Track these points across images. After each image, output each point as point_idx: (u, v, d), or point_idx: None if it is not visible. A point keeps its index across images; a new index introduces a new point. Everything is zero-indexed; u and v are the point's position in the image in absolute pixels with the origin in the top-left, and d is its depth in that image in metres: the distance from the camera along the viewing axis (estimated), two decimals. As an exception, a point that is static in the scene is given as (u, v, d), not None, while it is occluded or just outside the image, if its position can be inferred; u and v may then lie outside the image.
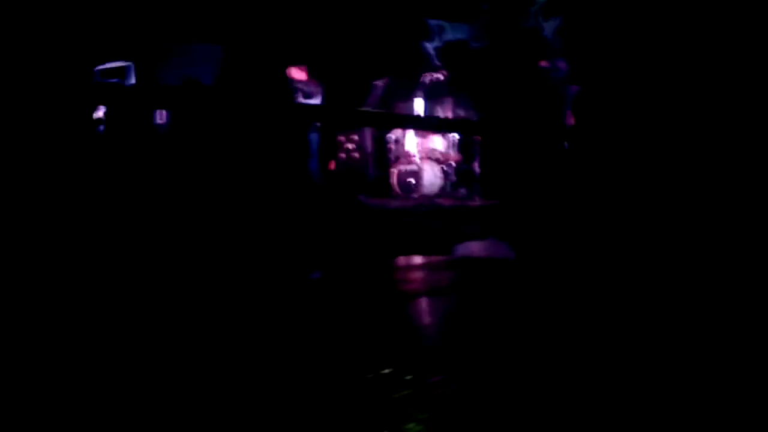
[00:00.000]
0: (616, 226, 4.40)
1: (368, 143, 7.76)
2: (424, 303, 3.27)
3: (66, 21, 7.40)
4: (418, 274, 4.28)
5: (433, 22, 8.21)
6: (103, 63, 7.98)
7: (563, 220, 4.92)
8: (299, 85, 6.93)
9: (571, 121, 6.43)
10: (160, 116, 6.92)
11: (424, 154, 7.42)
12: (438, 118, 7.32)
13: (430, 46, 8.19)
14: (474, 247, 5.05)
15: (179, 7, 8.34)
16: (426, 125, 6.29)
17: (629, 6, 5.21)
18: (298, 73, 6.98)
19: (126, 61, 8.05)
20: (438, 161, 7.44)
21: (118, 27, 7.98)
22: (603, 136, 5.12)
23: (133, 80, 8.01)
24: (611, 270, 3.65)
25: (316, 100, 6.89)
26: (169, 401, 1.72)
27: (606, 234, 4.38)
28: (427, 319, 2.98)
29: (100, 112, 6.39)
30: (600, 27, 5.96)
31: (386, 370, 1.98)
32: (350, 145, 7.29)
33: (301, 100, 6.83)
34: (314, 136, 7.03)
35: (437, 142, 7.48)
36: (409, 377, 1.92)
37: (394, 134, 7.60)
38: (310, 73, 7.06)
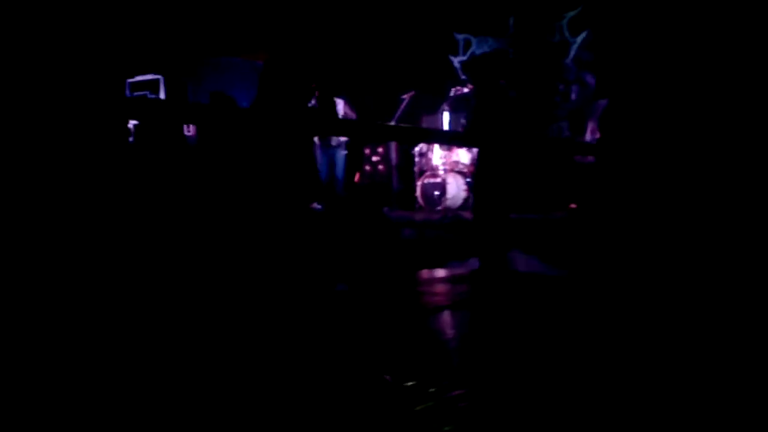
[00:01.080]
0: (649, 238, 4.33)
1: (393, 156, 7.78)
2: (448, 316, 3.26)
3: (99, 34, 7.56)
4: (442, 287, 4.26)
5: (460, 36, 8.24)
6: (135, 76, 8.14)
7: (596, 233, 4.87)
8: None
9: (596, 134, 6.37)
10: (188, 128, 7.03)
11: (449, 167, 7.41)
12: (459, 132, 7.32)
13: (456, 60, 8.22)
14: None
15: (210, 22, 8.49)
16: (449, 139, 6.27)
17: (658, 19, 5.17)
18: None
19: (157, 74, 8.20)
20: (463, 174, 7.42)
21: (150, 41, 8.14)
22: (633, 149, 5.07)
23: (163, 93, 8.15)
24: (649, 282, 3.60)
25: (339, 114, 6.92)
26: (206, 403, 1.74)
27: (641, 246, 4.32)
28: (451, 332, 2.96)
29: (130, 124, 6.50)
30: (628, 40, 5.92)
31: (410, 383, 1.97)
32: (375, 158, 7.31)
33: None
34: (342, 152, 7.06)
35: (462, 155, 7.47)
36: (432, 389, 1.91)
37: (420, 147, 7.61)
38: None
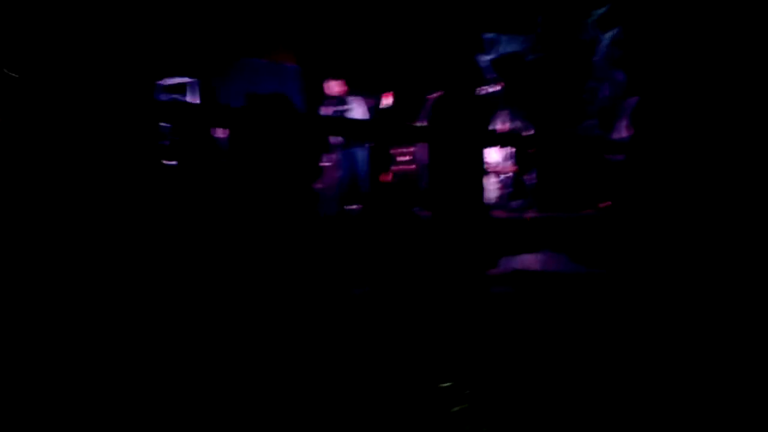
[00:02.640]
0: (684, 236, 4.28)
1: (423, 155, 7.78)
2: (483, 317, 3.26)
3: (130, 37, 7.71)
4: (475, 288, 4.25)
5: (488, 35, 8.21)
6: (165, 78, 8.26)
7: (627, 231, 4.83)
8: (337, 99, 7.00)
9: (627, 132, 6.31)
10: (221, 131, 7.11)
11: (479, 166, 7.40)
12: (493, 131, 7.30)
13: (484, 59, 8.19)
14: (529, 260, 5.00)
15: (237, 25, 8.58)
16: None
17: (689, 15, 5.10)
18: (337, 87, 7.06)
19: (188, 76, 8.31)
20: (494, 173, 7.41)
21: (181, 43, 8.27)
22: (665, 147, 5.02)
23: (194, 95, 8.26)
24: (681, 282, 3.56)
25: (356, 114, 6.93)
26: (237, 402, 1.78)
27: (677, 246, 4.27)
28: (487, 333, 2.97)
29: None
30: (658, 37, 5.84)
31: (445, 384, 1.99)
32: (406, 158, 7.32)
33: (340, 112, 6.91)
34: (362, 151, 7.08)
35: (493, 154, 7.45)
36: (467, 391, 1.93)
37: (449, 147, 7.59)
38: (350, 87, 7.15)
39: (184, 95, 8.30)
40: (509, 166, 7.45)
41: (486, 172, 7.38)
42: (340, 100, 7.03)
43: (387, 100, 7.18)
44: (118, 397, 1.84)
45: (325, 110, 7.05)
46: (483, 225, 4.28)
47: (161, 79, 8.24)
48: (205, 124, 6.07)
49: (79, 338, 2.32)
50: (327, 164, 7.51)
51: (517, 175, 7.41)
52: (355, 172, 7.07)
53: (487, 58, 8.20)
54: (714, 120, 4.60)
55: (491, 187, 7.32)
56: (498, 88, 7.69)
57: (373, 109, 7.15)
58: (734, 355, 2.27)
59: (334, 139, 7.20)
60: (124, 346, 2.31)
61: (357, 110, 6.94)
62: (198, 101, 8.00)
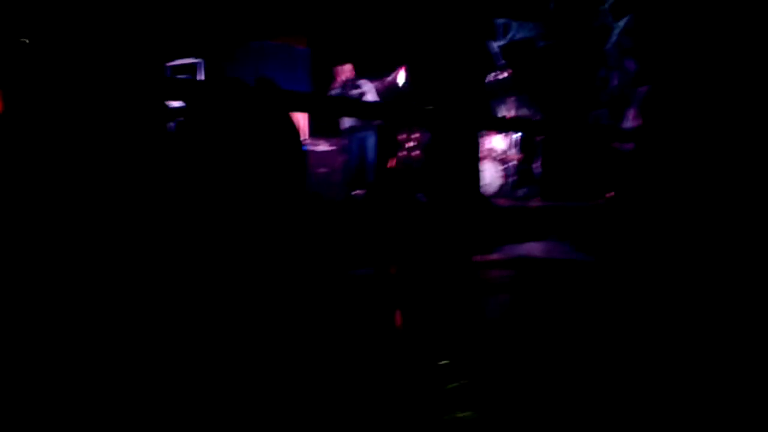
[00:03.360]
0: (692, 227, 4.25)
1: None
2: (481, 300, 3.26)
3: (139, 17, 7.72)
4: (477, 272, 4.25)
5: (499, 20, 8.15)
6: (174, 60, 8.26)
7: (636, 221, 4.80)
8: (348, 83, 6.97)
9: (636, 122, 6.26)
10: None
11: (485, 152, 7.37)
12: (500, 117, 7.26)
13: (495, 45, 8.14)
14: (534, 248, 4.98)
15: (248, 5, 8.55)
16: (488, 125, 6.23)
17: (700, 5, 5.05)
18: (346, 71, 7.02)
19: (196, 57, 8.30)
20: (498, 160, 7.38)
21: (190, 24, 8.25)
22: (675, 135, 4.97)
23: (202, 77, 8.26)
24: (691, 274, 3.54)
25: (367, 98, 6.90)
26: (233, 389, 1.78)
27: (683, 236, 4.24)
28: (485, 315, 2.97)
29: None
30: (671, 25, 5.79)
31: (443, 362, 1.99)
32: (411, 144, 7.30)
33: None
34: (371, 136, 7.05)
35: (497, 142, 7.42)
36: (464, 369, 1.93)
37: (456, 133, 7.58)
38: (357, 71, 7.12)
39: (193, 76, 8.31)
40: (514, 153, 7.41)
41: (491, 160, 7.36)
42: (353, 84, 7.00)
43: (399, 76, 7.12)
44: (120, 396, 1.85)
45: (337, 93, 7.03)
46: (478, 209, 4.27)
47: (171, 60, 8.26)
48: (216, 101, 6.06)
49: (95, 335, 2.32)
50: (331, 148, 7.50)
51: (522, 163, 7.38)
52: (363, 157, 7.05)
53: (498, 44, 8.15)
54: (724, 111, 4.56)
55: (496, 175, 7.30)
56: (507, 74, 7.64)
57: (384, 89, 7.11)
58: (738, 349, 2.25)
59: (342, 124, 7.19)
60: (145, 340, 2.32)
61: (368, 94, 6.91)
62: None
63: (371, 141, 7.06)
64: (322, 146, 7.45)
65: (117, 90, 2.71)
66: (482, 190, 7.18)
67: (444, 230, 3.97)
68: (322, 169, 7.37)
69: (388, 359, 2.06)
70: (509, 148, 7.44)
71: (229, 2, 8.46)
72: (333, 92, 7.04)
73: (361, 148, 7.10)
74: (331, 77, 7.29)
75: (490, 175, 7.30)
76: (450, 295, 3.19)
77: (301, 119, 7.37)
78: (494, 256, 4.56)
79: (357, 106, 4.57)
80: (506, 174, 7.38)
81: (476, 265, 4.36)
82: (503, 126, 6.36)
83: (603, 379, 1.89)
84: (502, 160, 7.39)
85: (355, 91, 6.93)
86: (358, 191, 7.05)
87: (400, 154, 7.84)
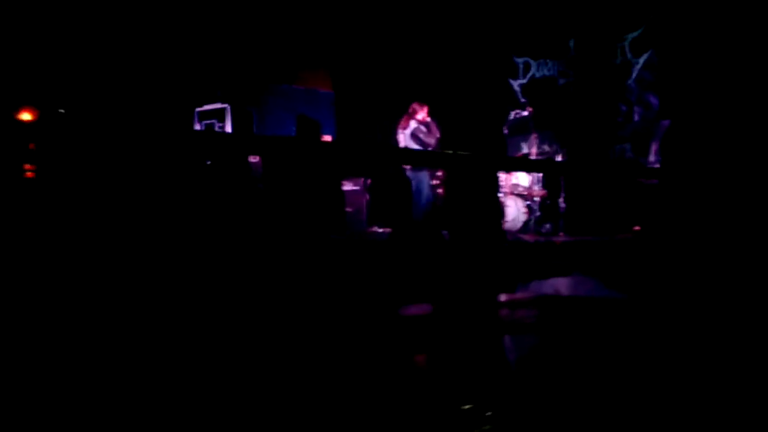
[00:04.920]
0: (719, 261, 4.21)
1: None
2: (506, 341, 3.26)
3: (168, 69, 8.02)
4: (504, 311, 4.25)
5: (519, 59, 8.26)
6: (203, 105, 8.50)
7: (659, 256, 4.77)
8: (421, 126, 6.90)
9: (658, 156, 6.26)
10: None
11: (508, 189, 7.41)
12: (523, 158, 7.29)
13: (516, 84, 8.24)
14: (560, 284, 4.96)
15: (273, 52, 8.81)
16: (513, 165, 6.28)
17: (721, 40, 5.08)
18: (422, 111, 6.90)
19: (223, 102, 8.53)
20: (522, 197, 7.40)
21: (216, 69, 8.52)
22: (696, 170, 4.96)
23: (229, 121, 8.46)
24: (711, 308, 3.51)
25: (432, 136, 6.81)
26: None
27: (703, 271, 4.21)
28: (513, 356, 2.97)
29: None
30: (691, 61, 5.82)
31: (466, 406, 2.01)
32: (435, 182, 7.36)
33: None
34: (425, 175, 6.94)
35: (522, 178, 7.46)
36: (489, 413, 1.94)
37: (479, 170, 7.60)
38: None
39: (221, 121, 8.52)
40: (538, 189, 7.44)
41: (515, 196, 7.37)
42: (425, 124, 6.91)
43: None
44: (123, 395, 1.91)
45: (409, 131, 6.89)
46: (498, 246, 4.26)
47: (200, 105, 8.50)
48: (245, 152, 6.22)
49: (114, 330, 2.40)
50: (356, 188, 7.61)
51: (546, 199, 7.39)
52: (419, 193, 6.93)
53: (519, 82, 8.25)
54: (746, 144, 4.55)
55: (520, 211, 7.31)
56: (528, 112, 7.72)
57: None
58: None
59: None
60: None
61: (432, 137, 6.82)
62: (230, 126, 8.18)
63: (427, 177, 6.92)
64: (348, 185, 7.57)
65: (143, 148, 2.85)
66: (507, 226, 7.19)
67: (465, 268, 4.00)
68: (348, 209, 7.49)
69: (412, 403, 2.09)
70: (533, 184, 7.47)
71: (254, 48, 8.71)
72: (405, 129, 6.92)
73: (418, 184, 6.96)
74: (355, 118, 7.35)
75: (515, 211, 7.31)
76: (473, 337, 3.20)
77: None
78: (519, 295, 4.56)
79: (381, 151, 4.67)
80: (530, 210, 7.39)
81: (501, 304, 4.36)
82: (522, 167, 6.40)
83: (636, 427, 1.89)
84: (527, 196, 7.42)
85: (423, 129, 6.84)
86: (379, 228, 7.05)
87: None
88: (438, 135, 6.66)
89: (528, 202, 7.38)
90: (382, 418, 1.93)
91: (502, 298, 4.57)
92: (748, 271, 3.99)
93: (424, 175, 6.79)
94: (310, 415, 1.93)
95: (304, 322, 3.19)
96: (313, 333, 3.02)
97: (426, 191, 6.80)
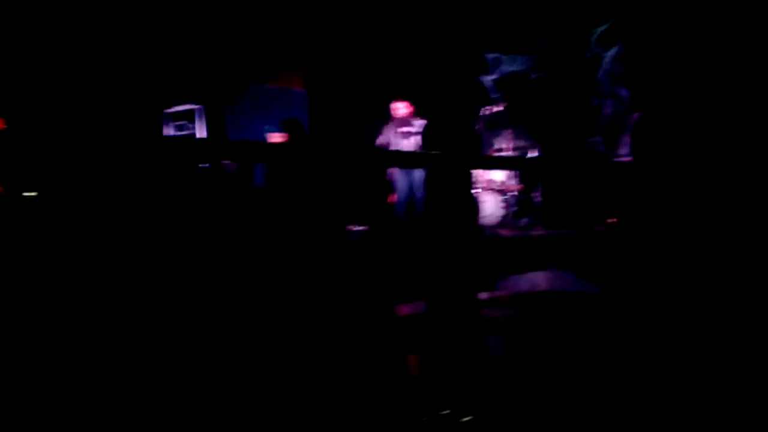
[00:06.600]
0: (692, 251, 4.26)
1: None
2: (488, 341, 3.26)
3: (138, 69, 7.89)
4: (484, 311, 4.24)
5: (490, 55, 8.27)
6: (172, 106, 8.39)
7: (637, 247, 4.81)
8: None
9: (628, 149, 6.32)
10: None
11: (484, 185, 7.42)
12: (497, 157, 7.30)
13: (488, 79, 8.25)
14: (538, 278, 4.98)
15: (246, 51, 8.72)
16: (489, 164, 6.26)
17: (688, 32, 5.14)
18: (404, 109, 6.85)
19: (195, 104, 8.42)
20: (499, 191, 7.42)
21: (187, 70, 8.41)
22: (668, 162, 5.02)
23: (200, 122, 8.36)
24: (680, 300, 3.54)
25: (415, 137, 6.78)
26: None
27: (672, 262, 4.25)
28: (490, 357, 2.97)
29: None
30: (660, 53, 5.88)
31: (444, 411, 2.00)
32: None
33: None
34: (419, 172, 6.87)
35: (498, 173, 7.47)
36: (466, 419, 1.94)
37: (454, 167, 7.59)
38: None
39: (192, 122, 8.41)
40: (514, 184, 7.46)
41: (491, 191, 7.39)
42: (407, 122, 6.87)
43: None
44: (123, 395, 1.87)
45: (392, 130, 6.86)
46: (475, 246, 4.25)
47: (169, 107, 8.39)
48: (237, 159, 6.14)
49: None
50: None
51: (523, 193, 7.42)
52: (412, 193, 6.88)
53: (491, 77, 8.27)
54: (715, 135, 4.61)
55: (497, 206, 7.33)
56: (502, 107, 7.73)
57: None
58: (749, 375, 2.26)
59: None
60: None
61: (415, 136, 6.79)
62: (204, 127, 8.09)
63: (420, 176, 6.86)
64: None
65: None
66: (484, 221, 7.20)
67: (442, 268, 3.99)
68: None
69: (390, 408, 2.07)
70: (509, 178, 7.49)
71: (225, 48, 8.62)
72: (388, 129, 6.89)
73: (411, 183, 6.92)
74: (329, 117, 7.31)
75: (491, 206, 7.33)
76: (452, 337, 3.20)
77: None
78: (499, 293, 4.57)
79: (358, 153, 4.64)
80: (507, 204, 7.42)
81: (481, 303, 4.36)
82: (496, 165, 6.39)
83: (613, 422, 1.89)
84: (503, 191, 7.44)
85: (405, 129, 6.81)
86: (354, 227, 7.01)
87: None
88: None
89: (504, 197, 7.40)
90: (357, 427, 1.92)
91: (483, 296, 4.57)
92: (718, 260, 4.04)
93: (420, 175, 6.76)
94: (289, 414, 1.91)
95: (283, 321, 3.17)
96: (286, 333, 3.00)
97: (420, 192, 6.78)
